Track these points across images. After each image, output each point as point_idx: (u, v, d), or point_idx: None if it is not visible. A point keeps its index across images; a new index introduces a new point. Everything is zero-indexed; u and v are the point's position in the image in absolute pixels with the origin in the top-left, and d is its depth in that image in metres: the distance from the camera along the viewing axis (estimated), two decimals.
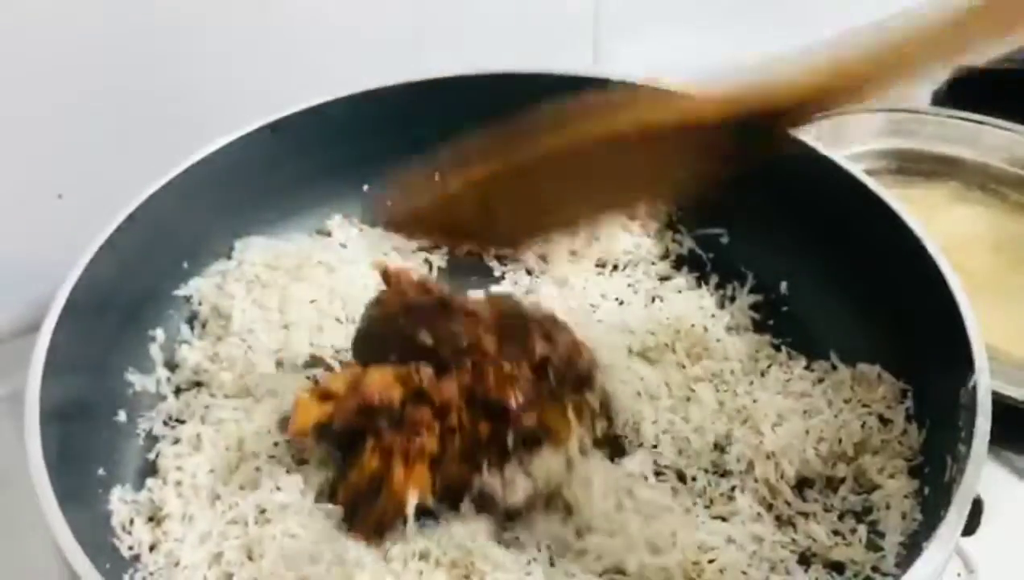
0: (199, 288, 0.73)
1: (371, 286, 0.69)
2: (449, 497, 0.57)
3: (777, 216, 0.74)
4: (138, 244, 0.68)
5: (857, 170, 0.69)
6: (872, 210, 0.68)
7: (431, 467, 0.56)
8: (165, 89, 0.80)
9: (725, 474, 0.61)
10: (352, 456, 0.57)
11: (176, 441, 0.64)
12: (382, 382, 0.56)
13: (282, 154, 0.75)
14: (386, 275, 0.62)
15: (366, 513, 0.56)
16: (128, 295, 0.69)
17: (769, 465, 0.60)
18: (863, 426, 0.62)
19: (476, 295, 0.67)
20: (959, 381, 0.57)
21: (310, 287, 0.72)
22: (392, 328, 0.59)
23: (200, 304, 0.72)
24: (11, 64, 0.74)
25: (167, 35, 0.80)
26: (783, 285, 0.74)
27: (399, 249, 0.78)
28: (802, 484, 0.61)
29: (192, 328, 0.71)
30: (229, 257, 0.75)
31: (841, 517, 0.59)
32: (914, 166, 0.97)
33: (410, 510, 0.55)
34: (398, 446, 0.56)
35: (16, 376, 0.58)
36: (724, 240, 0.78)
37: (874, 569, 0.55)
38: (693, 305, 0.72)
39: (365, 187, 0.80)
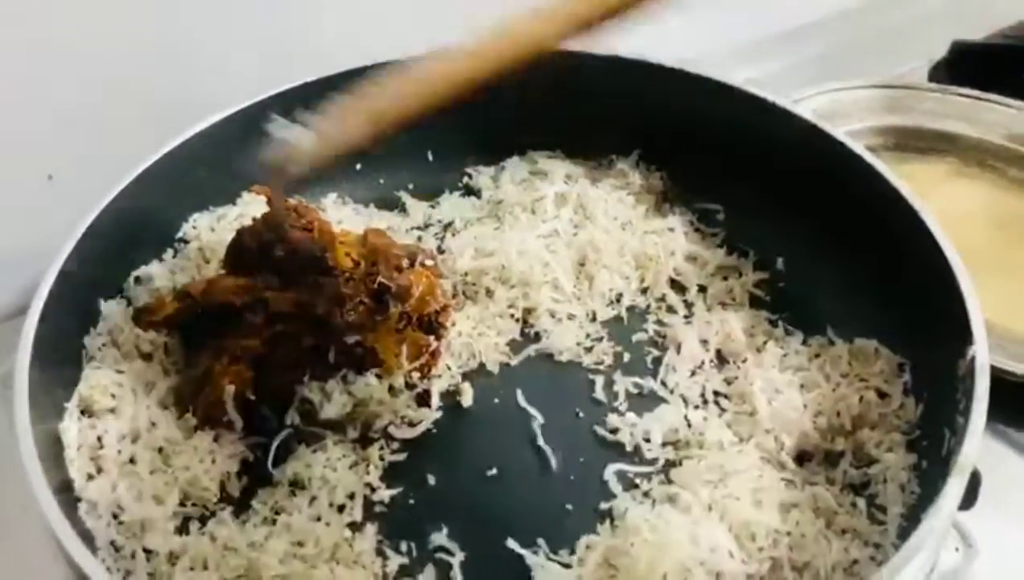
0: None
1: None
2: (277, 401, 0.64)
3: (773, 192, 0.74)
4: (127, 223, 0.68)
5: (856, 145, 0.69)
6: (871, 185, 0.68)
7: (258, 369, 0.63)
8: (157, 69, 0.80)
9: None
10: (195, 351, 0.65)
11: None
12: (229, 286, 0.65)
13: None
14: (268, 198, 0.67)
15: (196, 403, 0.63)
16: (117, 274, 0.69)
17: (768, 438, 0.60)
18: (861, 400, 0.62)
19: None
20: (957, 354, 0.57)
21: None
22: (256, 240, 0.66)
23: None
24: (2, 46, 0.74)
25: (158, 16, 0.79)
26: (779, 261, 0.73)
27: (392, 228, 0.77)
28: (801, 458, 0.60)
29: None
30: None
31: (841, 490, 0.58)
32: (912, 143, 0.96)
33: (228, 400, 0.62)
34: (228, 346, 0.63)
35: (5, 360, 0.58)
36: (720, 216, 0.77)
37: (876, 546, 0.55)
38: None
39: (358, 166, 0.81)
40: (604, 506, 0.59)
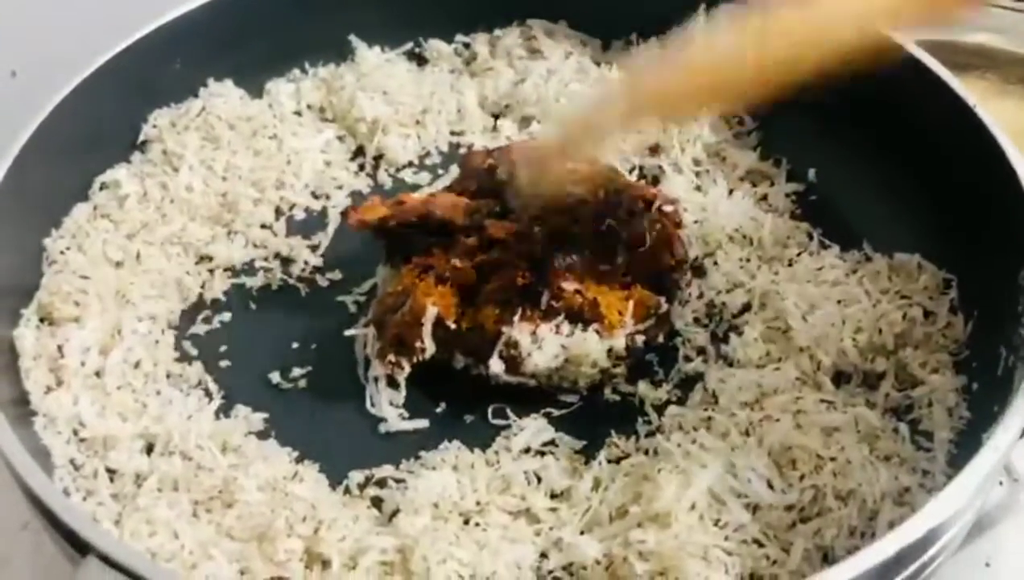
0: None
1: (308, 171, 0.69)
2: (478, 343, 0.55)
3: (805, 95, 0.67)
4: (86, 120, 0.63)
5: (905, 39, 0.62)
6: (915, 84, 0.61)
7: (463, 295, 0.56)
8: None
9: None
10: (398, 266, 0.58)
11: None
12: (450, 202, 0.58)
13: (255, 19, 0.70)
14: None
15: (389, 323, 0.56)
16: (79, 176, 0.64)
17: (803, 357, 0.54)
18: (904, 317, 0.56)
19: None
20: (1016, 267, 0.52)
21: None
22: (481, 161, 0.61)
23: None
24: None
25: None
26: (811, 172, 0.67)
27: None
28: (838, 379, 0.55)
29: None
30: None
31: (883, 414, 0.53)
32: (949, 58, 0.89)
33: (427, 322, 0.54)
34: (436, 264, 0.56)
35: None
36: (748, 123, 0.71)
37: (924, 473, 0.50)
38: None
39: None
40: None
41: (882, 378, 0.54)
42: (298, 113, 0.72)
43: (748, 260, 0.61)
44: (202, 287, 0.62)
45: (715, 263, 0.61)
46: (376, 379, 0.56)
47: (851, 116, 0.65)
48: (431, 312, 0.55)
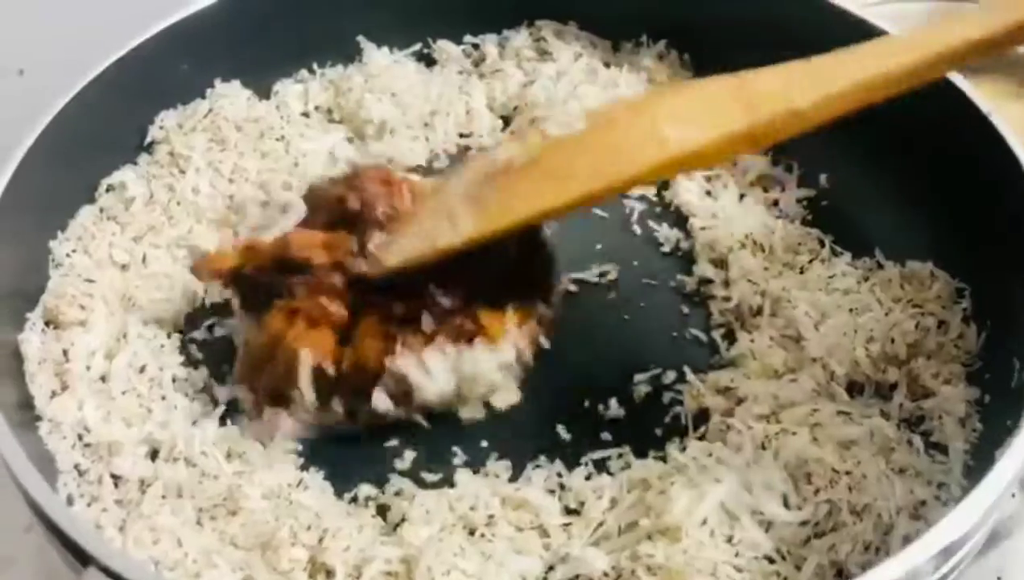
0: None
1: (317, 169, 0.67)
2: (363, 380, 0.53)
3: None
4: (93, 121, 0.62)
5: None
6: (928, 88, 0.60)
7: (338, 339, 0.53)
8: None
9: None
10: (258, 316, 0.54)
11: None
12: (306, 240, 0.55)
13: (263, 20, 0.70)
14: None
15: (262, 376, 0.53)
16: (86, 177, 0.64)
17: (816, 367, 0.53)
18: (917, 326, 0.55)
19: None
20: None
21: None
22: (329, 194, 0.58)
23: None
24: None
25: None
26: (823, 177, 0.66)
27: None
28: (850, 390, 0.54)
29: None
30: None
31: (897, 426, 0.52)
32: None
33: (303, 372, 0.52)
34: (306, 308, 0.53)
35: None
36: None
37: (939, 485, 0.49)
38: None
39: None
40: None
41: (894, 389, 0.54)
42: (306, 114, 0.72)
43: (764, 268, 0.60)
44: (206, 291, 0.62)
45: (725, 270, 0.61)
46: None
47: (862, 121, 0.64)
48: (306, 358, 0.52)
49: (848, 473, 0.48)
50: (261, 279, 0.55)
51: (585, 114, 0.53)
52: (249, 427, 0.54)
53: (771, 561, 0.46)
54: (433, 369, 0.53)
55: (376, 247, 0.53)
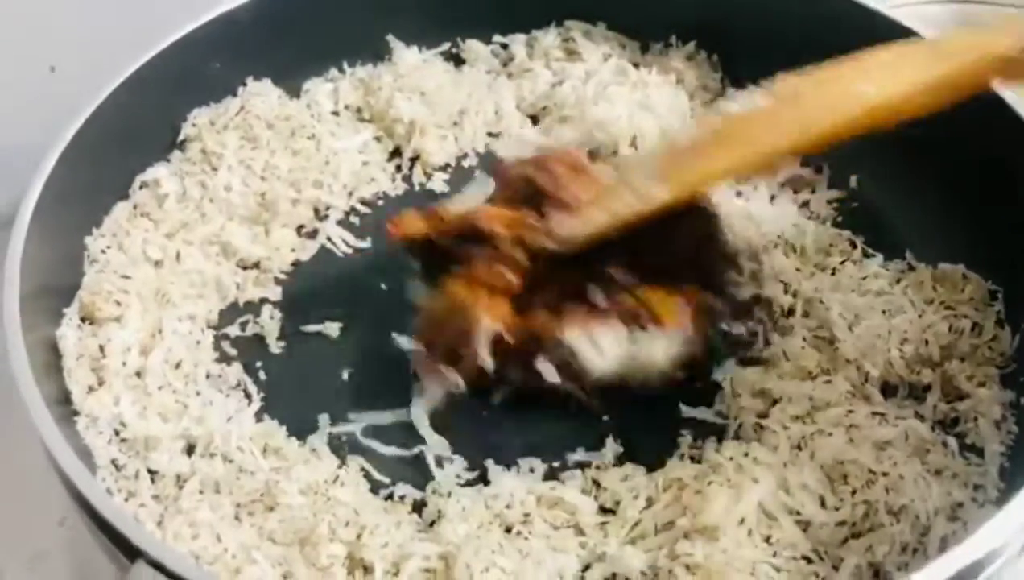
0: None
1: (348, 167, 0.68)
2: (533, 348, 0.54)
3: None
4: (128, 118, 0.63)
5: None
6: None
7: (514, 306, 0.54)
8: None
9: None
10: (436, 283, 0.57)
11: None
12: (493, 214, 0.57)
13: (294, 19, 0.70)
14: None
15: (440, 338, 0.55)
16: (120, 173, 0.64)
17: (851, 369, 0.54)
18: (950, 329, 0.55)
19: None
20: None
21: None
22: (517, 172, 0.59)
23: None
24: None
25: None
26: (853, 179, 0.66)
27: None
28: (884, 392, 0.54)
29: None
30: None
31: (932, 428, 0.52)
32: None
33: (482, 336, 0.53)
34: (485, 276, 0.55)
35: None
36: None
37: (976, 487, 0.49)
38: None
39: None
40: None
41: (928, 390, 0.54)
42: (336, 113, 0.72)
43: (796, 269, 0.60)
44: (239, 288, 0.62)
45: (758, 271, 0.61)
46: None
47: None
48: (487, 324, 0.53)
49: (885, 474, 0.48)
50: (444, 246, 0.57)
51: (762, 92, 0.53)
52: (424, 378, 0.55)
53: (809, 561, 0.47)
54: (602, 344, 0.53)
55: (557, 224, 0.54)
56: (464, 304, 0.54)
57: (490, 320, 0.54)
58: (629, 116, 0.69)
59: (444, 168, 0.70)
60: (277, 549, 0.48)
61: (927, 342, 0.55)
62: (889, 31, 0.63)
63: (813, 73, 0.52)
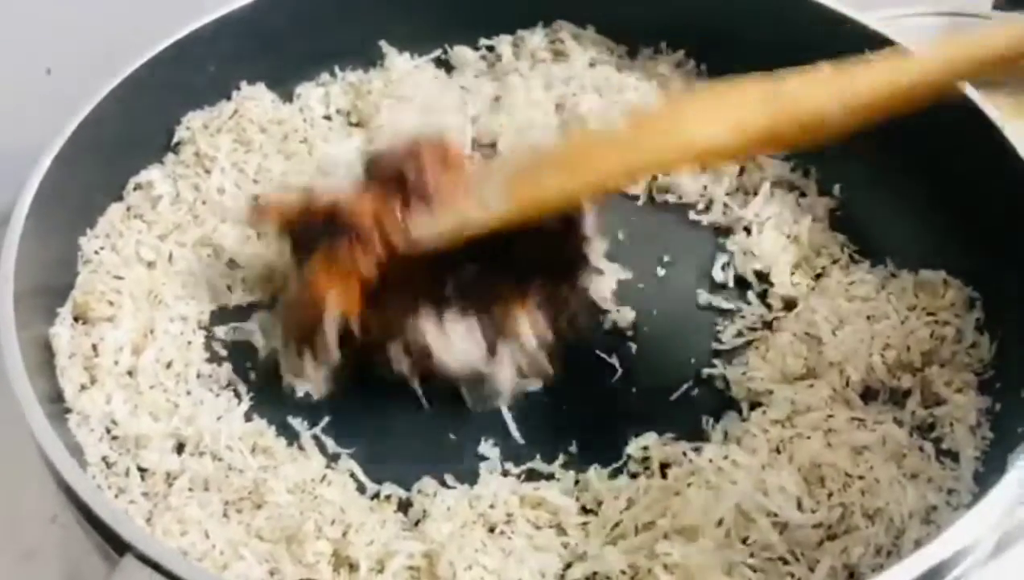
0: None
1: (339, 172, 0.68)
2: (383, 336, 0.55)
3: None
4: (123, 121, 0.63)
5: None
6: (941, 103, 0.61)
7: (367, 299, 0.54)
8: None
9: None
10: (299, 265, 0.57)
11: None
12: (357, 205, 0.56)
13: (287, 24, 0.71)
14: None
15: (295, 318, 0.56)
16: (114, 176, 0.65)
17: (833, 372, 0.55)
18: (932, 335, 0.56)
19: None
20: None
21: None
22: (387, 161, 0.58)
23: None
24: None
25: None
26: (836, 187, 0.67)
27: None
28: (865, 396, 0.55)
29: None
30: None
31: (910, 433, 0.53)
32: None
33: (328, 317, 0.54)
34: (342, 258, 0.54)
35: None
36: None
37: (950, 491, 0.50)
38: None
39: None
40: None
41: (907, 395, 0.55)
42: (328, 118, 0.73)
43: (791, 272, 0.62)
44: (230, 290, 0.63)
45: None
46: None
47: (874, 132, 0.64)
48: (332, 303, 0.54)
49: (861, 478, 0.49)
50: (311, 232, 0.56)
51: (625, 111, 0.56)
52: (284, 366, 0.57)
53: (785, 562, 0.47)
54: (452, 334, 0.54)
55: (412, 222, 0.54)
56: (315, 291, 0.55)
57: (336, 299, 0.54)
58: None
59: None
60: (264, 546, 0.49)
61: (909, 348, 0.56)
62: (874, 43, 0.64)
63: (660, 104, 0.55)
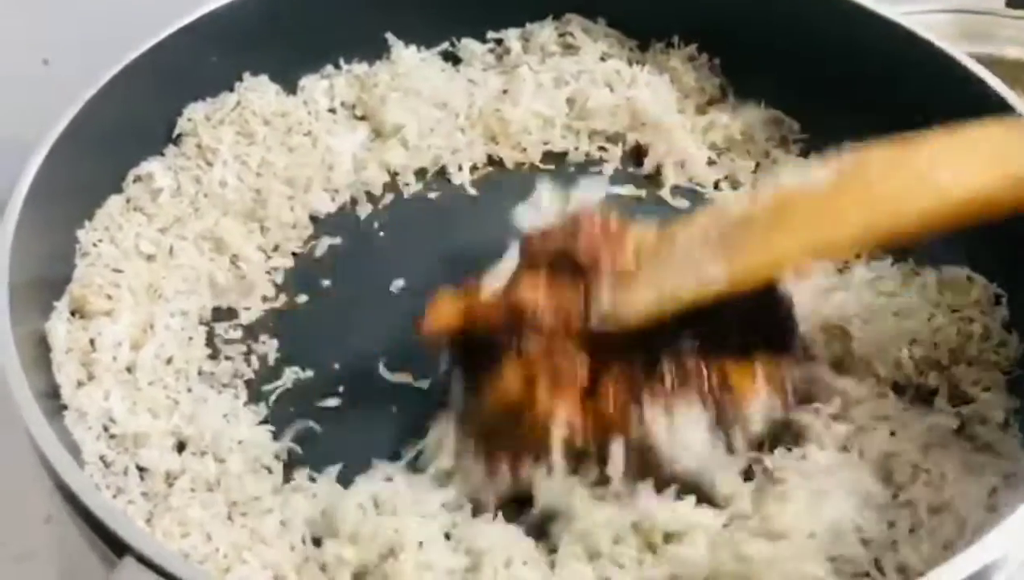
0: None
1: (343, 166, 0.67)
2: (606, 438, 0.47)
3: (854, 107, 0.65)
4: (121, 112, 0.61)
5: (956, 52, 0.61)
6: (962, 94, 0.60)
7: (582, 402, 0.48)
8: None
9: None
10: (481, 378, 0.50)
11: None
12: (533, 295, 0.49)
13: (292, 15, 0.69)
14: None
15: (502, 439, 0.48)
16: (113, 168, 0.63)
17: (861, 367, 0.53)
18: (958, 332, 0.55)
19: None
20: None
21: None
22: (548, 243, 0.52)
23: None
24: None
25: None
26: None
27: None
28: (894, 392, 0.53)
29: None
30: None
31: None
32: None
33: (556, 440, 0.47)
34: (543, 366, 0.48)
35: None
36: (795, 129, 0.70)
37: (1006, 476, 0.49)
38: None
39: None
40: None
41: (934, 394, 0.53)
42: (332, 111, 0.71)
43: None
44: (232, 285, 0.61)
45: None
46: None
47: (895, 125, 0.63)
48: (560, 428, 0.47)
49: (927, 471, 0.48)
50: (487, 339, 0.50)
51: (822, 164, 0.48)
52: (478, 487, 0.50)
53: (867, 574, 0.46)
54: (685, 432, 0.47)
55: (610, 302, 0.49)
56: (529, 404, 0.48)
57: (562, 419, 0.47)
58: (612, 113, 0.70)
59: (441, 172, 0.69)
60: (269, 551, 0.47)
61: (936, 345, 0.54)
62: (906, 42, 0.63)
63: (884, 149, 0.46)
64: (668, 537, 0.47)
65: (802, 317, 0.54)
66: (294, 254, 0.64)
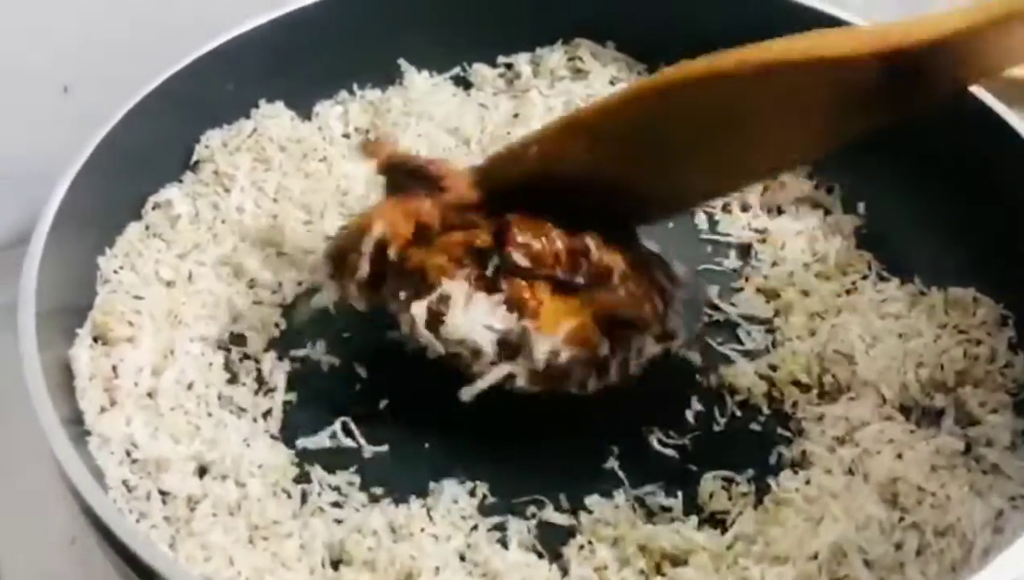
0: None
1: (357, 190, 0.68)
2: (413, 286, 0.52)
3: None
4: (142, 139, 0.62)
5: None
6: (967, 114, 0.60)
7: (419, 234, 0.53)
8: None
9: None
10: None
11: None
12: (457, 178, 0.54)
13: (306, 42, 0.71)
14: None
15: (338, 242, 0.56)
16: (133, 194, 0.65)
17: (868, 390, 0.54)
18: (964, 354, 0.55)
19: None
20: None
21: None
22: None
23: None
24: None
25: None
26: (860, 205, 0.66)
27: None
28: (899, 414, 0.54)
29: None
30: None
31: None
32: (1002, 92, 0.88)
33: (367, 239, 0.53)
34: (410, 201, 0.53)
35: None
36: None
37: (1011, 498, 0.49)
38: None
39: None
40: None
41: (941, 415, 0.54)
42: (347, 136, 0.72)
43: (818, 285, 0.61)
44: (251, 310, 0.62)
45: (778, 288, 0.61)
46: None
47: (898, 147, 0.64)
48: (377, 228, 0.52)
49: (933, 493, 0.49)
50: (406, 179, 0.55)
51: None
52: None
53: None
54: (474, 309, 0.51)
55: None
56: (370, 213, 0.54)
57: (382, 226, 0.53)
58: None
59: None
60: (291, 575, 0.48)
61: (942, 367, 0.55)
62: None
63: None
64: (674, 559, 0.48)
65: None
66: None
